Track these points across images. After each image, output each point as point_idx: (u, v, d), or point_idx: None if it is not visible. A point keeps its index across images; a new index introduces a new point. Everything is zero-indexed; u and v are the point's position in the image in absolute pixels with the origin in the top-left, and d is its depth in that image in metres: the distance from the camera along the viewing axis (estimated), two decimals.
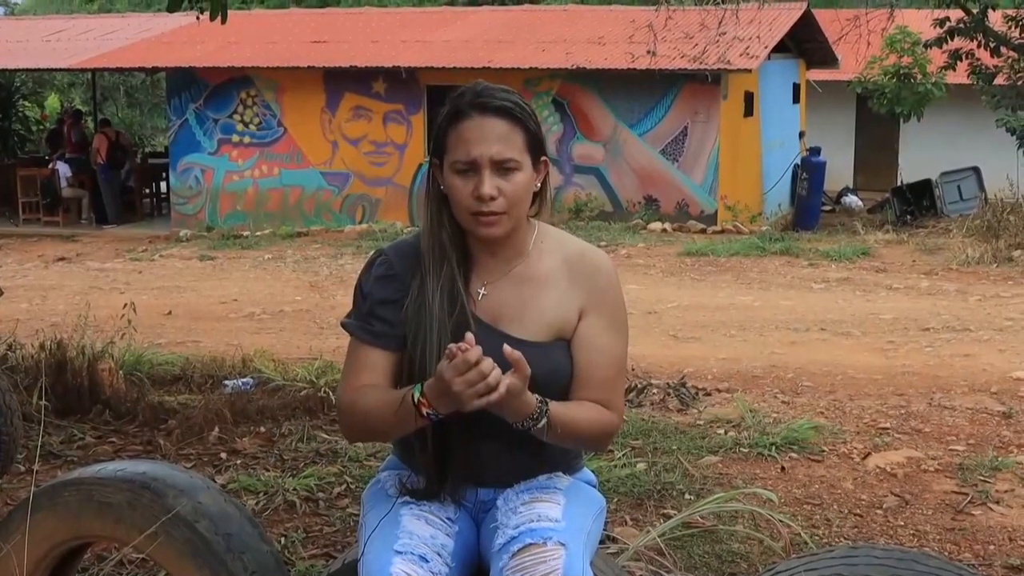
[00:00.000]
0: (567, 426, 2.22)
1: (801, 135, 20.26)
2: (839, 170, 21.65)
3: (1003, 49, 16.76)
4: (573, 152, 16.51)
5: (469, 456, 2.31)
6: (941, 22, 16.54)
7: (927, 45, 17.83)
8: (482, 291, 2.32)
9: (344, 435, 2.45)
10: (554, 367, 2.29)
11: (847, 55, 17.45)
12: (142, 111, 29.46)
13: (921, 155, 21.24)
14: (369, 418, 2.27)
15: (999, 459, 4.99)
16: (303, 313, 9.84)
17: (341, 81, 17.37)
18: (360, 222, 17.20)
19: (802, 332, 8.56)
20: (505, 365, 2.18)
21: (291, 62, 17.49)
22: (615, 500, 4.35)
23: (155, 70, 19.90)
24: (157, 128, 27.74)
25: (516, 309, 2.31)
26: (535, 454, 2.35)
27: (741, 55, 15.80)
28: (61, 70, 21.87)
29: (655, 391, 6.21)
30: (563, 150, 16.50)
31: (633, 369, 6.51)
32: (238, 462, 4.94)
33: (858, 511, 4.44)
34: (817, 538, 4.06)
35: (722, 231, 15.46)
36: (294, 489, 4.47)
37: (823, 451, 5.15)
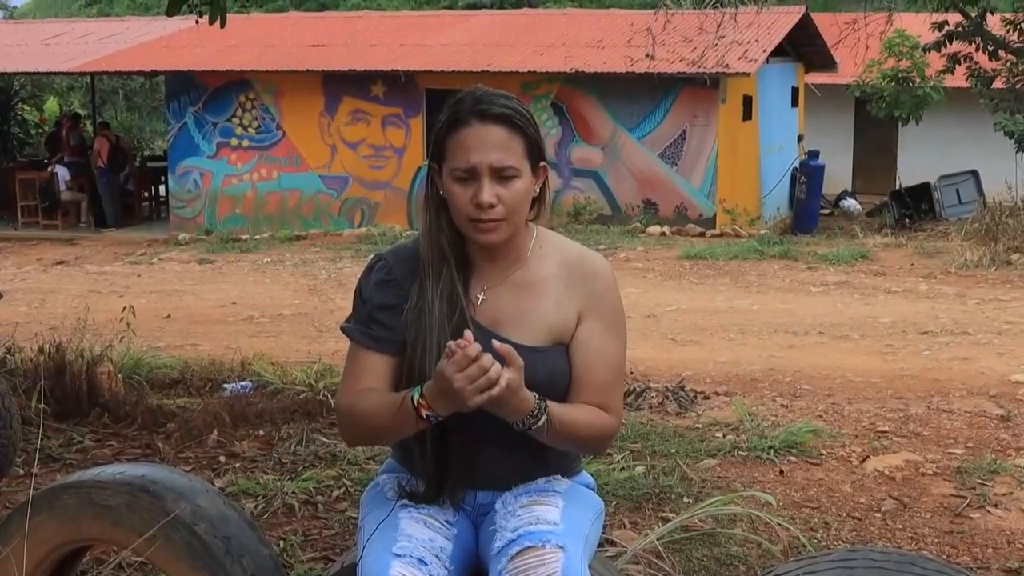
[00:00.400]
0: (566, 426, 2.23)
1: (800, 139, 20.27)
2: (838, 173, 21.66)
3: (1001, 52, 16.80)
4: (572, 156, 16.52)
5: (468, 459, 2.31)
6: (940, 26, 16.57)
7: (926, 49, 17.87)
8: (481, 296, 2.33)
9: (343, 439, 2.46)
10: (553, 371, 2.29)
11: (845, 59, 17.44)
12: (141, 114, 29.45)
13: (919, 158, 21.26)
14: (368, 421, 2.27)
15: (997, 462, 4.99)
16: (302, 316, 9.84)
17: (340, 85, 17.38)
18: (359, 226, 17.20)
19: (801, 335, 8.56)
20: (503, 366, 2.19)
21: (290, 66, 17.50)
22: (614, 503, 4.35)
23: (154, 73, 19.91)
24: (156, 132, 27.73)
25: (515, 314, 2.31)
26: (533, 457, 2.36)
27: (740, 59, 15.81)
28: (60, 73, 21.87)
29: (654, 394, 6.21)
30: (562, 154, 16.51)
31: (632, 372, 6.51)
32: (237, 465, 4.94)
33: (856, 514, 4.44)
34: (815, 541, 4.06)
35: (721, 235, 15.46)
36: (293, 492, 4.46)
37: (821, 454, 5.15)
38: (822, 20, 18.21)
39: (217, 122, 18.01)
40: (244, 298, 11.02)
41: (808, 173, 18.05)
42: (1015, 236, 12.83)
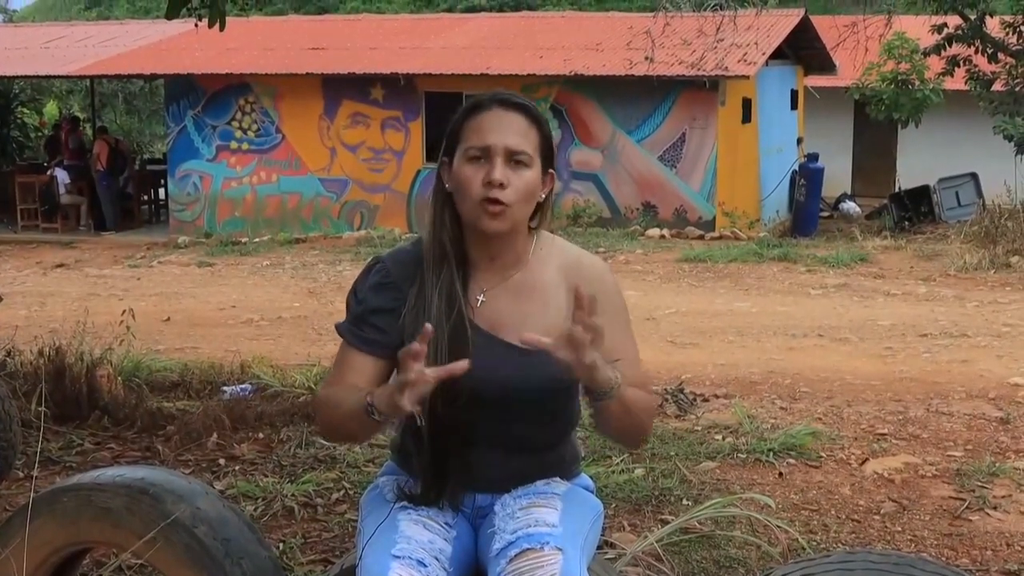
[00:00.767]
0: (627, 402, 2.20)
1: (799, 141, 20.28)
2: (837, 176, 21.66)
3: (1000, 55, 16.82)
4: (571, 158, 16.52)
5: (466, 461, 2.31)
6: (939, 28, 16.61)
7: (925, 52, 17.89)
8: (481, 298, 2.33)
9: (319, 430, 2.46)
10: (551, 376, 2.28)
11: (845, 61, 17.47)
12: (140, 118, 29.45)
13: (919, 161, 21.26)
14: (337, 412, 2.28)
15: (996, 464, 4.99)
16: (301, 319, 9.85)
17: (339, 88, 17.39)
18: (358, 228, 17.21)
19: (800, 338, 8.57)
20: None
21: (289, 69, 17.51)
22: (613, 506, 4.36)
23: (153, 77, 19.90)
24: (155, 135, 27.74)
25: (515, 318, 2.31)
26: (532, 460, 2.36)
27: (739, 61, 15.82)
28: (60, 77, 21.88)
29: None
30: (561, 156, 16.49)
31: None
32: (236, 468, 4.94)
33: (856, 517, 4.44)
34: (814, 543, 4.07)
35: (720, 237, 15.47)
36: (292, 495, 4.47)
37: (821, 457, 5.16)
38: (821, 23, 18.22)
39: (216, 125, 18.01)
40: (244, 301, 11.02)
41: (807, 176, 18.05)
42: (1014, 239, 12.84)
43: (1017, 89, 16.81)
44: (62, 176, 18.52)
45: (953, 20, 16.88)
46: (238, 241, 16.36)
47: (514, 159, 2.25)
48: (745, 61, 15.86)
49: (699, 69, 15.67)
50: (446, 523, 2.32)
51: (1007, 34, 16.65)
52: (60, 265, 14.83)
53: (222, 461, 5.05)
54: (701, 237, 15.45)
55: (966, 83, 17.58)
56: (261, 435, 5.41)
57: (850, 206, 20.71)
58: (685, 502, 4.47)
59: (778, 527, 3.98)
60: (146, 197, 20.13)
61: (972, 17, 16.52)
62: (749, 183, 17.50)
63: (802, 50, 19.35)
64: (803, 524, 4.31)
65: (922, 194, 18.46)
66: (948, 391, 6.62)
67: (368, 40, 18.94)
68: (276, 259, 14.40)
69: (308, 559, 3.91)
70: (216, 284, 12.43)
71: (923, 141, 21.27)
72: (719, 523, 4.14)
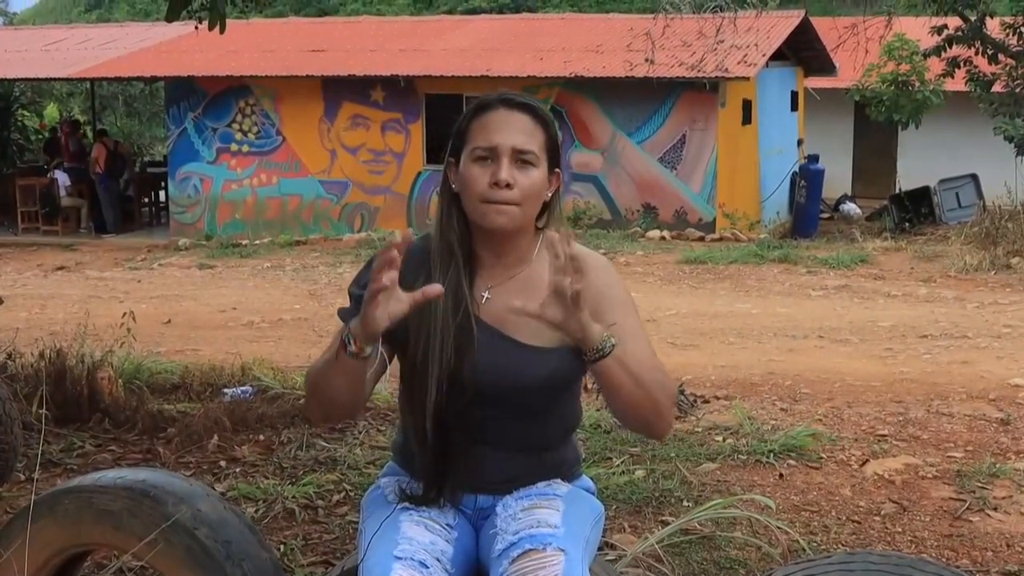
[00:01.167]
0: (629, 366, 2.18)
1: (799, 143, 20.29)
2: (837, 177, 21.66)
3: (1001, 56, 16.82)
4: (571, 160, 16.52)
5: (468, 462, 2.32)
6: (939, 30, 16.60)
7: (925, 53, 17.89)
8: (486, 294, 2.33)
9: (305, 412, 2.45)
10: (553, 371, 2.29)
11: (845, 63, 17.46)
12: (141, 120, 29.46)
13: (919, 162, 21.26)
14: (321, 375, 2.24)
15: (997, 466, 4.99)
16: (302, 321, 9.85)
17: (339, 90, 17.39)
18: (359, 230, 17.21)
19: (800, 339, 8.57)
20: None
21: (290, 71, 17.51)
22: (614, 507, 4.36)
23: (154, 79, 19.90)
24: (156, 137, 27.75)
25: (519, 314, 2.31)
26: (534, 461, 2.37)
27: (739, 63, 15.83)
28: (60, 79, 21.87)
29: None
30: (561, 158, 16.45)
31: None
32: (237, 470, 4.94)
33: (856, 518, 4.44)
34: (815, 545, 4.07)
35: (720, 239, 15.47)
36: (293, 497, 4.47)
37: (821, 458, 5.16)
38: (821, 24, 18.22)
39: (217, 127, 18.02)
40: (244, 303, 11.03)
41: (808, 177, 18.05)
42: (1015, 240, 12.84)
43: (1017, 90, 16.81)
44: (62, 179, 18.53)
45: (953, 21, 16.87)
46: (238, 243, 16.36)
47: (520, 159, 2.26)
48: (745, 63, 15.87)
49: (699, 71, 15.68)
50: (447, 524, 2.32)
51: (1007, 35, 16.65)
52: (61, 267, 14.84)
53: (223, 463, 5.05)
54: (701, 239, 15.45)
55: (966, 84, 17.58)
56: (262, 437, 5.41)
57: (850, 207, 20.72)
58: (686, 503, 4.47)
59: (778, 528, 3.98)
60: (147, 199, 20.14)
61: (972, 18, 16.52)
62: (749, 185, 17.51)
63: (802, 51, 19.36)
64: (803, 525, 4.31)
65: (922, 195, 18.47)
66: (948, 392, 6.63)
67: (368, 42, 18.94)
68: (277, 261, 14.41)
69: (309, 561, 3.92)
70: (217, 286, 12.44)
71: (923, 142, 21.28)
72: (719, 524, 4.15)
